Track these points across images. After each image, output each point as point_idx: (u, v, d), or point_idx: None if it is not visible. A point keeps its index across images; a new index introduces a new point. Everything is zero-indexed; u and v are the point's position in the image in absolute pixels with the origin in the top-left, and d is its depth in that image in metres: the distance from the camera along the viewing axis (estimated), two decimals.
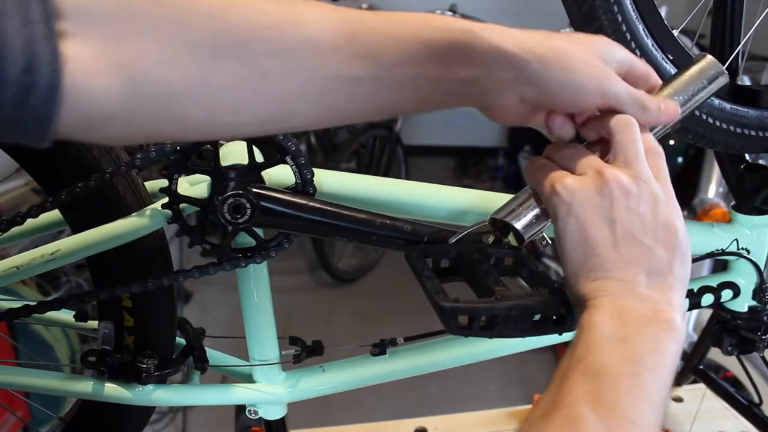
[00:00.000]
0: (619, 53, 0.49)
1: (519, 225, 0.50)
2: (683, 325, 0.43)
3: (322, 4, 0.43)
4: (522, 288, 0.51)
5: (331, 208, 0.65)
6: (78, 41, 0.35)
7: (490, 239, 0.54)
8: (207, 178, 0.66)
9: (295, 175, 0.66)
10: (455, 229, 0.60)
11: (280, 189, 0.66)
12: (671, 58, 0.63)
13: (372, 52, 0.42)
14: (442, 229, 0.63)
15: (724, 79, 0.53)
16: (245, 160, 0.64)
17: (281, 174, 0.67)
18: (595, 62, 0.47)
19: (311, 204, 0.65)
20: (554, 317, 0.48)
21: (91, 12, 0.36)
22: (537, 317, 0.48)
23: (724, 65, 0.69)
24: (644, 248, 0.45)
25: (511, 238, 0.52)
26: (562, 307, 0.48)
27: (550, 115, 0.50)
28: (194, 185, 0.68)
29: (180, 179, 0.66)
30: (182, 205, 0.67)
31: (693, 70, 0.53)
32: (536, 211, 0.50)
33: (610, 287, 0.44)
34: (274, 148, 0.65)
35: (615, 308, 0.43)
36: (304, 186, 0.66)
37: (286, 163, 0.65)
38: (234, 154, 0.65)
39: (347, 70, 0.42)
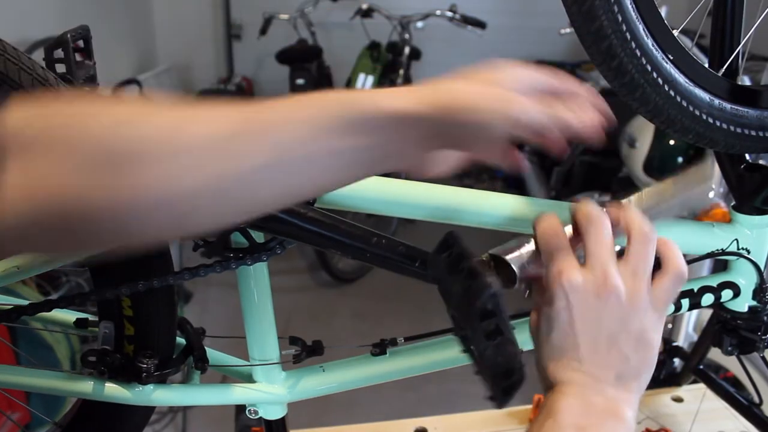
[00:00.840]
0: (530, 78, 0.47)
1: (516, 266, 0.50)
2: (634, 420, 0.47)
3: (219, 103, 0.42)
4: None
5: (328, 221, 0.66)
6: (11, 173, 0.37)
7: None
8: None
9: None
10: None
11: None
12: (671, 58, 0.63)
13: (269, 137, 0.41)
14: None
15: (707, 189, 0.56)
16: None
17: None
18: (499, 93, 0.45)
19: (309, 214, 0.66)
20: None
21: (19, 141, 0.38)
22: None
23: (723, 65, 0.70)
24: (621, 355, 0.48)
25: (504, 277, 0.52)
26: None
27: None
28: None
29: None
30: None
31: (683, 176, 0.56)
32: (533, 253, 0.51)
33: (581, 380, 0.47)
34: None
35: (581, 399, 0.46)
36: None
37: None
38: None
39: (246, 159, 0.41)
